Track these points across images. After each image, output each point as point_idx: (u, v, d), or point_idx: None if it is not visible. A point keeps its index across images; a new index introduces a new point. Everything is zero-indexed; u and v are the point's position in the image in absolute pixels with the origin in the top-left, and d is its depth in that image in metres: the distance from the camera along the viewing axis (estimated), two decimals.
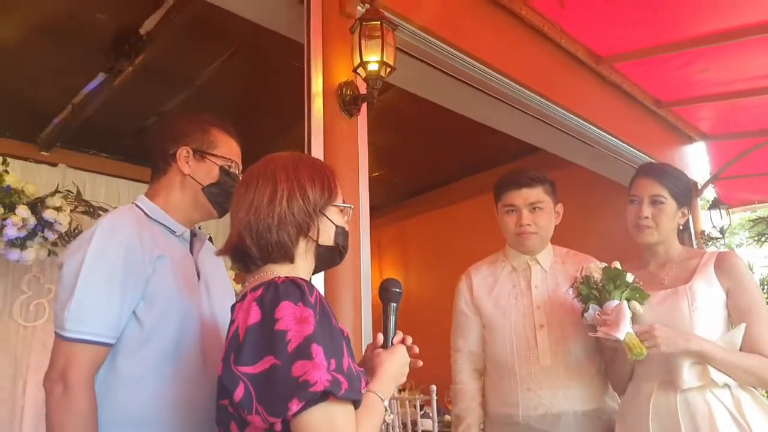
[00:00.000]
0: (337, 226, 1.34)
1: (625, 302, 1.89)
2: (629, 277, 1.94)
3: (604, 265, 2.00)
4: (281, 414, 1.03)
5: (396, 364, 1.31)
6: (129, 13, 3.58)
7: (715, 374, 1.88)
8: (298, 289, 1.12)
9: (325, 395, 1.03)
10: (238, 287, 1.38)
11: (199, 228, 1.75)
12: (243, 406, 1.07)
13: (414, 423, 4.34)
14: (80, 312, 1.36)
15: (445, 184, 6.92)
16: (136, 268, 1.43)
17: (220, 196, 1.63)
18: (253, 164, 1.35)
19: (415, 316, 6.09)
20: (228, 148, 1.67)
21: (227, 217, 1.42)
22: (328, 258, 1.35)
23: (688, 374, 1.89)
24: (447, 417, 4.61)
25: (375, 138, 5.14)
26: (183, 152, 1.62)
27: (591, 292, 1.96)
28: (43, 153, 5.07)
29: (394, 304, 1.38)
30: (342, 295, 2.33)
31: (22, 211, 3.48)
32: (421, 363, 1.37)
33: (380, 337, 1.36)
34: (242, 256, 1.27)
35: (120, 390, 1.40)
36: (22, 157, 4.36)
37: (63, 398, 1.32)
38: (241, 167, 1.69)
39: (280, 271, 1.24)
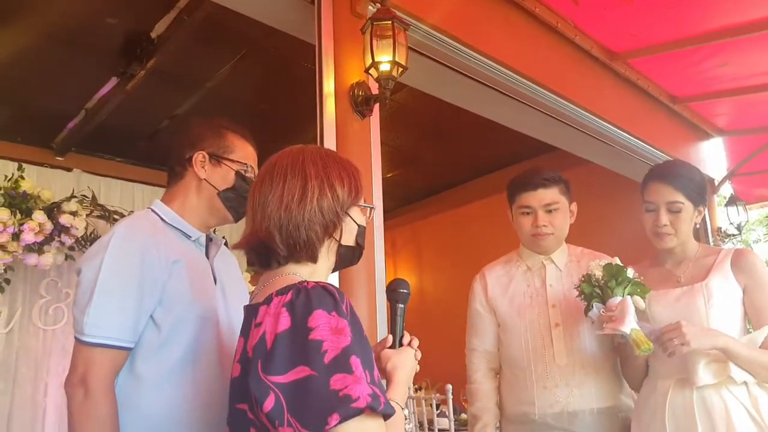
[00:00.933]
0: (359, 226, 1.30)
1: (629, 297, 1.88)
2: (630, 273, 1.92)
3: (605, 262, 1.97)
4: (318, 428, 0.98)
5: (408, 368, 1.29)
6: (140, 17, 3.61)
7: (735, 371, 1.86)
8: (330, 296, 1.07)
9: (363, 409, 0.99)
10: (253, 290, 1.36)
11: (214, 232, 1.75)
12: (273, 417, 1.01)
13: (430, 422, 4.34)
14: (99, 317, 1.37)
15: (458, 184, 6.91)
16: (153, 273, 1.43)
17: (236, 200, 1.63)
18: (275, 154, 1.29)
19: (430, 316, 6.12)
20: (244, 153, 1.67)
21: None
22: (348, 258, 1.32)
23: (704, 372, 1.88)
24: (463, 416, 4.61)
25: (388, 138, 5.17)
26: (199, 157, 1.62)
27: (593, 290, 1.94)
28: (57, 158, 5.13)
29: (402, 306, 1.36)
30: (356, 297, 2.33)
31: (39, 216, 3.51)
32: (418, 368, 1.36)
33: (390, 338, 1.34)
34: (267, 252, 1.21)
35: (139, 394, 1.41)
36: (38, 163, 4.39)
37: (84, 403, 1.33)
38: (256, 171, 1.67)
39: (301, 271, 1.21)
